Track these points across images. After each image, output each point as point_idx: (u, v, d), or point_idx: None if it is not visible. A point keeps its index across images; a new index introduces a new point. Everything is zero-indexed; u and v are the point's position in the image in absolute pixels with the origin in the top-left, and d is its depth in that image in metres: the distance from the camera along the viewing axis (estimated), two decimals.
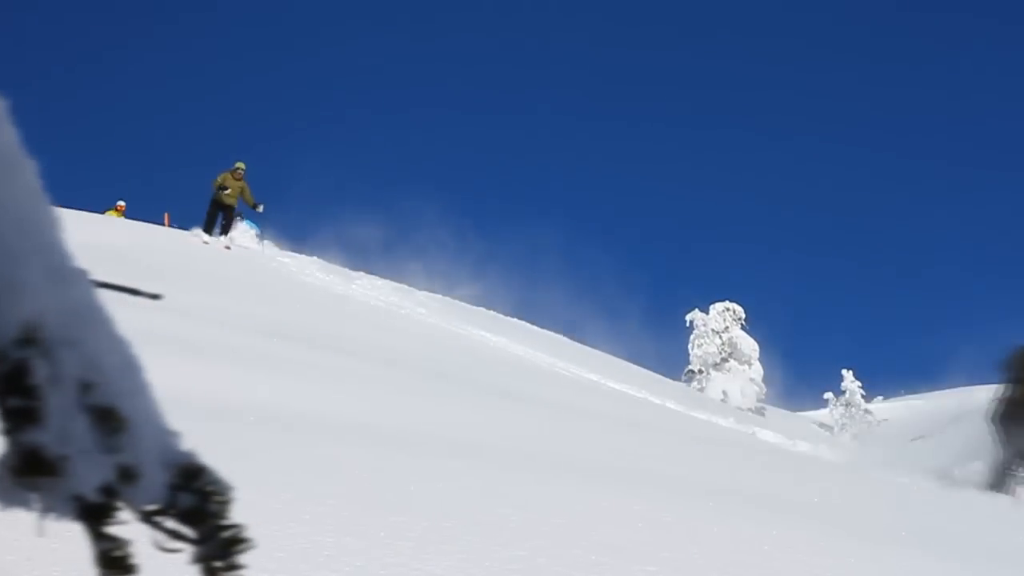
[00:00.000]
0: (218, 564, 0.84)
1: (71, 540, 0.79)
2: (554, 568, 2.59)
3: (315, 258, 18.43)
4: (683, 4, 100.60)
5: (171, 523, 0.83)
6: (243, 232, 20.73)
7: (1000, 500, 7.54)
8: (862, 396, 36.05)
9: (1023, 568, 4.19)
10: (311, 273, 15.87)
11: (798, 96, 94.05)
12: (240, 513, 2.73)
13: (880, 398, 43.83)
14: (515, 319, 19.29)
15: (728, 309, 35.07)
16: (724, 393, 32.26)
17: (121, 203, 24.15)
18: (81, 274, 0.81)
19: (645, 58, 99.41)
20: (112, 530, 0.78)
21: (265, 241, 20.83)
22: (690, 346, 34.61)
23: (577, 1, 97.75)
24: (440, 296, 18.42)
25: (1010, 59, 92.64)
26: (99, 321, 0.81)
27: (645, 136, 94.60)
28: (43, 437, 0.75)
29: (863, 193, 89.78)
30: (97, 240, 12.96)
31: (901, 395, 46.64)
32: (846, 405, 35.65)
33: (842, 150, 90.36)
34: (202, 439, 3.09)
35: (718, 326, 34.49)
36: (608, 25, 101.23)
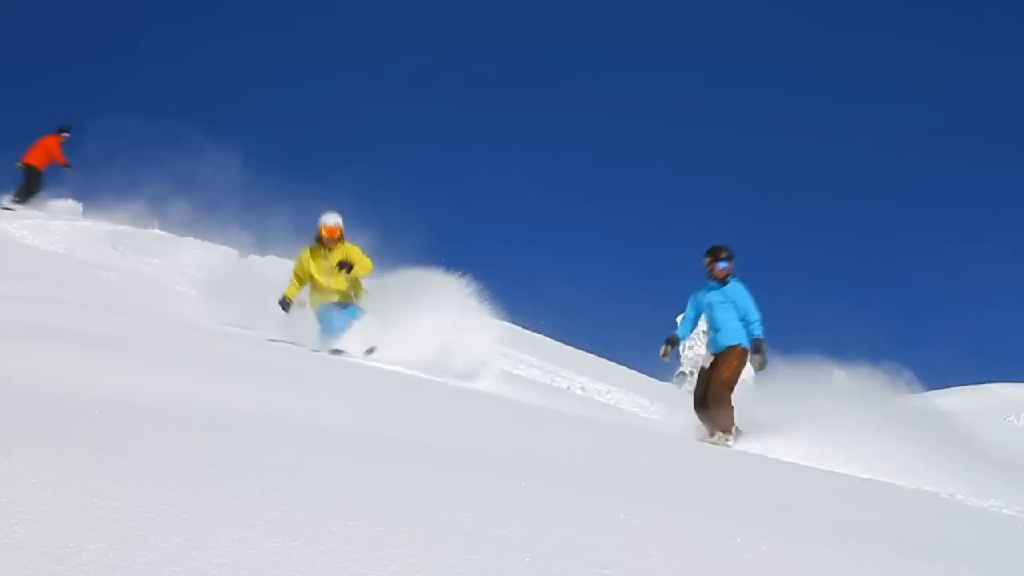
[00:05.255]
0: None
1: None
2: (503, 572, 2.56)
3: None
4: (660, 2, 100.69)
5: None
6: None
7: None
8: None
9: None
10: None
11: (787, 89, 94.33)
12: (190, 520, 2.67)
13: None
14: (500, 320, 19.21)
15: None
16: None
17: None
18: None
19: (631, 54, 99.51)
20: None
21: None
22: (681, 347, 34.58)
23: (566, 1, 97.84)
24: None
25: (997, 54, 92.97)
26: None
27: (632, 132, 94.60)
28: None
29: (856, 189, 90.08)
30: None
31: None
32: None
33: (833, 146, 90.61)
34: (159, 444, 3.02)
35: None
36: (589, 22, 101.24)
